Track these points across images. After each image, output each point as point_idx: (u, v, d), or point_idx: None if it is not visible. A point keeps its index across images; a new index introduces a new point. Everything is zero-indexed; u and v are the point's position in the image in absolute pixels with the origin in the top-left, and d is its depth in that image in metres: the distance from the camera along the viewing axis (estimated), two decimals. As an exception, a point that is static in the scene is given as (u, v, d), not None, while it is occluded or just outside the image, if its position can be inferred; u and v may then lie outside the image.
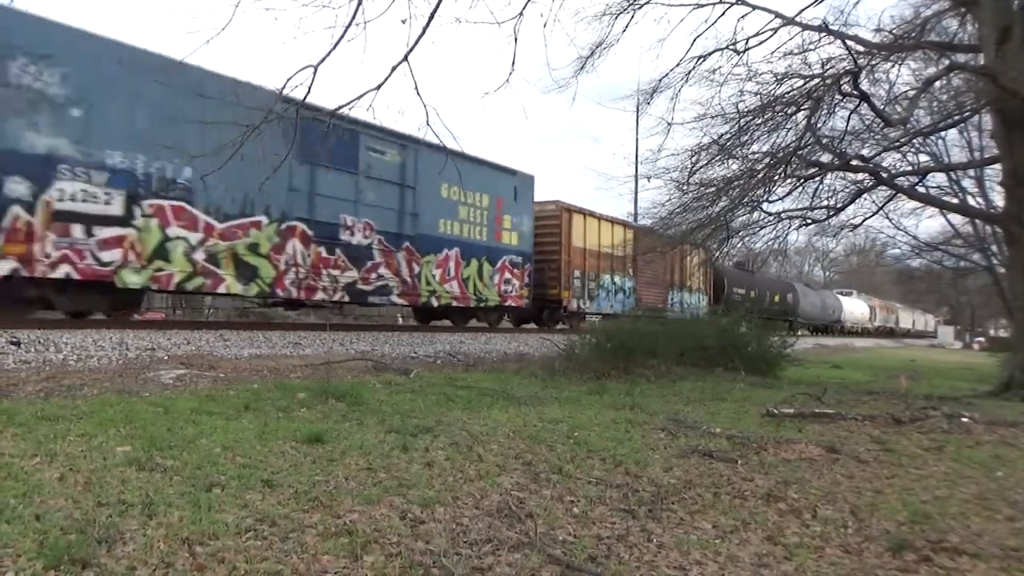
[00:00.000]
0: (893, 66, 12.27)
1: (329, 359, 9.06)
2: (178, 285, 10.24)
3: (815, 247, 61.27)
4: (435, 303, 14.47)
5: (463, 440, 4.71)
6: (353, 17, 5.46)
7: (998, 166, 11.67)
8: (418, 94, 5.69)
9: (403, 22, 5.67)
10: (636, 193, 19.46)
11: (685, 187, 11.79)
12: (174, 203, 10.07)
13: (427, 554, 2.74)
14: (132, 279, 9.68)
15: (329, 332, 11.87)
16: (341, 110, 6.03)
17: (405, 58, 5.63)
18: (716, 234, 12.50)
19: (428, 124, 5.82)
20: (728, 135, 11.05)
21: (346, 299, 12.87)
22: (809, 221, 12.80)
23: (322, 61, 5.56)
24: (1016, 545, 3.28)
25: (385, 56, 5.89)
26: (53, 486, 3.15)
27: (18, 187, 8.55)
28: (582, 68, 11.90)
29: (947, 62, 11.02)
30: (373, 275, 13.05)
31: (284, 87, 5.60)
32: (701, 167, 11.45)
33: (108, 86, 9.19)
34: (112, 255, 9.44)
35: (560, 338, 12.06)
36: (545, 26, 6.85)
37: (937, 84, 12.49)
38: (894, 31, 12.08)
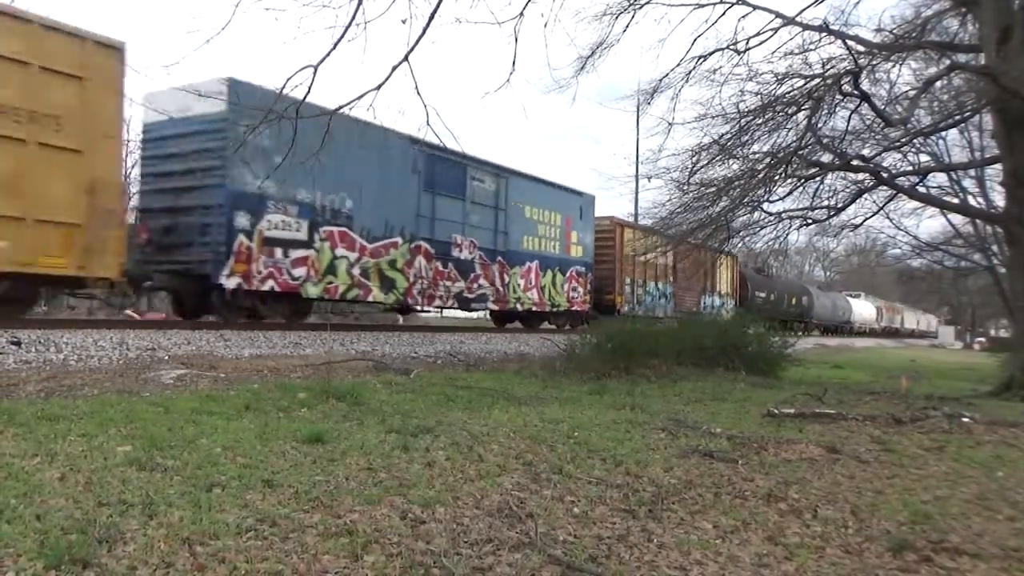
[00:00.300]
0: (894, 66, 12.29)
1: (330, 359, 9.06)
2: (341, 295, 12.59)
3: (816, 247, 61.28)
4: (519, 308, 16.68)
5: (464, 440, 4.71)
6: (353, 17, 5.46)
7: (999, 166, 11.67)
8: (419, 94, 5.69)
9: (403, 22, 5.67)
10: (636, 193, 19.53)
11: (686, 187, 11.79)
12: (340, 229, 12.40)
13: (428, 554, 2.74)
14: (312, 291, 12.04)
15: (330, 332, 11.88)
16: (341, 109, 6.02)
17: (406, 58, 5.63)
18: (717, 234, 12.49)
19: (428, 124, 5.82)
20: (729, 135, 11.05)
21: (456, 306, 15.37)
22: (810, 221, 12.80)
23: (322, 61, 5.56)
24: (1017, 545, 3.28)
25: (386, 56, 5.90)
26: (54, 486, 3.15)
27: (243, 220, 10.87)
28: (582, 68, 11.90)
29: (948, 62, 11.02)
30: (475, 285, 15.33)
31: (284, 87, 5.60)
32: (702, 167, 11.45)
33: (298, 137, 10.25)
34: (300, 271, 11.79)
35: (561, 338, 12.06)
36: (546, 26, 6.85)
37: (938, 84, 12.50)
38: (895, 31, 12.09)
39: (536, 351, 13.03)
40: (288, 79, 5.52)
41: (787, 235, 12.82)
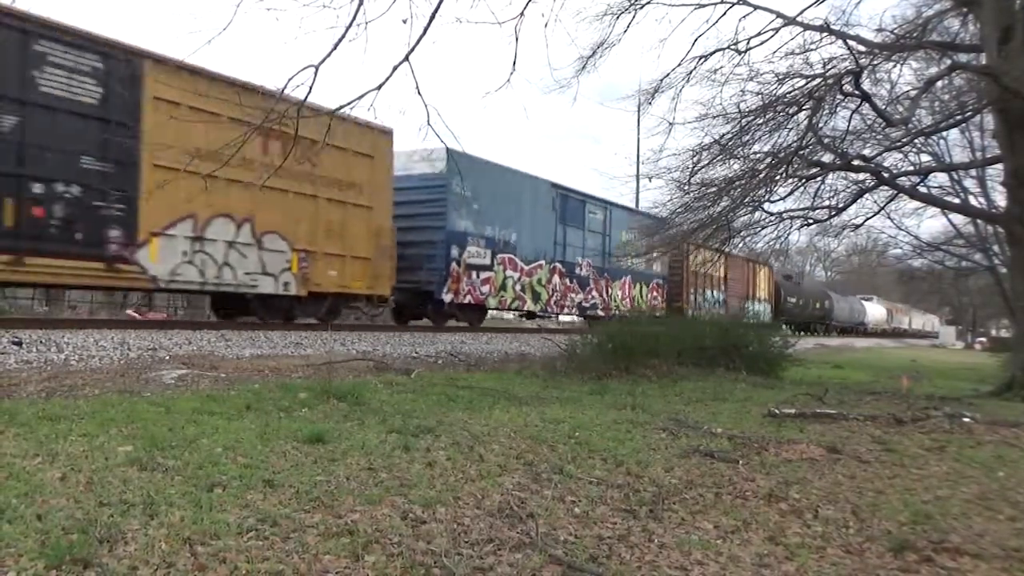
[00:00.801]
0: (895, 66, 12.28)
1: (330, 359, 9.06)
2: (508, 306, 17.05)
3: (816, 247, 61.20)
4: (617, 314, 19.58)
5: (464, 440, 4.71)
6: (354, 17, 5.46)
7: (1000, 166, 11.67)
8: (419, 94, 5.69)
9: (404, 22, 5.66)
10: (637, 193, 19.60)
11: (686, 187, 11.77)
12: (509, 256, 16.44)
13: (428, 554, 2.74)
14: (492, 303, 16.39)
15: (330, 332, 11.88)
16: (342, 110, 6.02)
17: (406, 58, 5.62)
18: (718, 234, 12.48)
19: (429, 124, 5.82)
20: (729, 135, 11.04)
21: (577, 313, 19.75)
22: (811, 221, 12.79)
23: (323, 61, 5.56)
24: (1018, 545, 3.28)
25: (386, 56, 5.89)
26: (55, 486, 3.15)
27: (455, 251, 14.91)
28: (583, 68, 11.90)
29: (949, 62, 11.01)
30: (590, 296, 19.50)
31: (285, 87, 5.59)
32: (702, 167, 11.43)
33: (484, 187, 15.41)
34: (485, 288, 15.79)
35: (561, 338, 12.07)
36: (546, 26, 6.87)
37: (939, 84, 12.50)
38: (896, 31, 12.07)
39: (537, 351, 13.03)
40: (290, 79, 5.52)
41: (788, 235, 12.82)
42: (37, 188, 8.81)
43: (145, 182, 9.66)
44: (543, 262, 17.53)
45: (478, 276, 15.56)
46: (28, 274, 9.04)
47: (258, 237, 11.38)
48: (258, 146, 10.33)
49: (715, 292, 25.72)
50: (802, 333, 31.53)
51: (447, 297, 14.73)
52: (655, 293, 22.55)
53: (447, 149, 12.15)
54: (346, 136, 12.10)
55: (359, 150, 12.95)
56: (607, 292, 20.11)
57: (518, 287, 16.77)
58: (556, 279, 17.95)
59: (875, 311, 48.12)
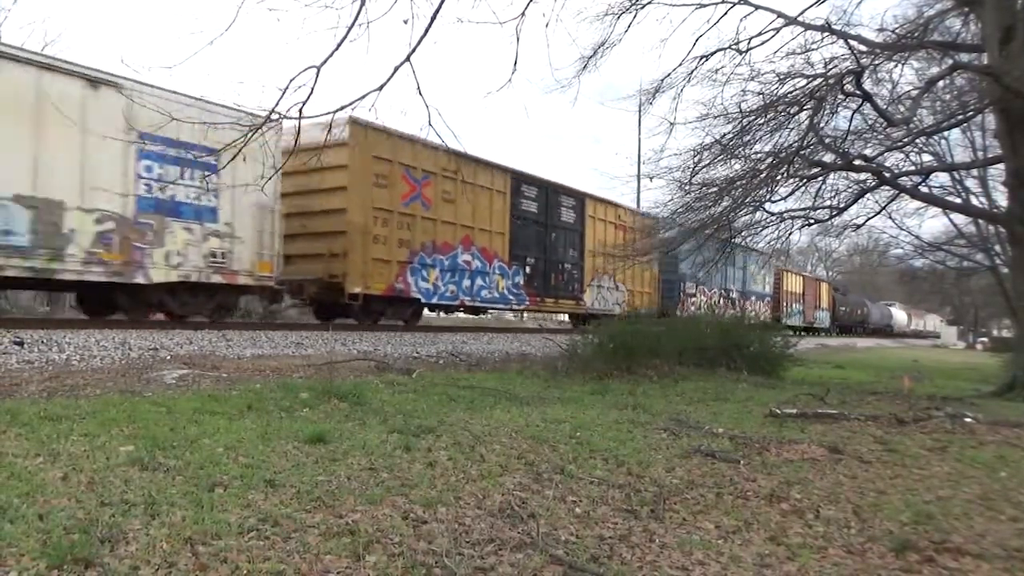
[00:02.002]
0: (896, 66, 12.26)
1: (332, 359, 9.06)
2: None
3: (818, 247, 61.26)
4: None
5: (465, 440, 4.71)
6: (356, 17, 5.45)
7: (1001, 166, 11.65)
8: (420, 94, 5.69)
9: (405, 22, 5.65)
10: (639, 193, 19.70)
11: (687, 187, 11.77)
12: (703, 287, 24.04)
13: (429, 554, 2.74)
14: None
15: (331, 332, 11.88)
16: (343, 110, 6.01)
17: (407, 58, 5.62)
18: (719, 234, 12.48)
19: (430, 124, 5.82)
20: (731, 135, 11.03)
21: None
22: (812, 221, 12.78)
23: (325, 62, 5.55)
24: (1019, 546, 3.27)
25: (387, 56, 5.89)
26: (56, 486, 3.15)
27: (682, 286, 22.98)
28: (584, 68, 11.89)
29: (950, 62, 10.99)
30: (745, 309, 26.05)
31: (287, 87, 5.59)
32: (704, 167, 11.43)
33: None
34: (692, 307, 22.78)
35: (563, 338, 12.06)
36: (547, 26, 6.89)
37: (940, 84, 12.47)
38: (897, 31, 12.06)
39: (538, 351, 13.03)
40: (291, 80, 5.51)
41: (789, 235, 12.81)
42: (559, 266, 17.85)
43: (587, 261, 18.55)
44: (718, 290, 25.60)
45: (689, 299, 23.29)
46: (549, 308, 18.61)
47: (616, 284, 19.78)
48: (620, 238, 18.91)
49: (798, 304, 34.84)
50: (845, 333, 41.88)
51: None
52: (764, 307, 30.27)
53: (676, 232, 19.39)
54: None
55: (618, 222, 20.05)
56: (745, 308, 27.86)
57: (705, 307, 23.88)
58: (722, 301, 25.74)
59: (899, 315, 57.26)
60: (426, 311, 16.12)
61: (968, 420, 6.69)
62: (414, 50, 5.60)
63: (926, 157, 17.77)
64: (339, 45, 5.48)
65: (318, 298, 13.25)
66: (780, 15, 10.88)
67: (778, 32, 10.95)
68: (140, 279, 10.07)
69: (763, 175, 10.73)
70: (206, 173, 9.76)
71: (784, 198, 12.00)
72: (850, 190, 12.39)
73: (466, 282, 14.62)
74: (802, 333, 30.15)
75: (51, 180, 9.03)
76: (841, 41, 10.19)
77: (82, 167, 9.33)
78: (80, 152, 9.30)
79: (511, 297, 15.93)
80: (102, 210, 9.56)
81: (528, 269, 16.46)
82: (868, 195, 12.68)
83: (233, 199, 10.86)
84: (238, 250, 11.16)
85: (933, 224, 75.02)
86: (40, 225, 8.96)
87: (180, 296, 11.02)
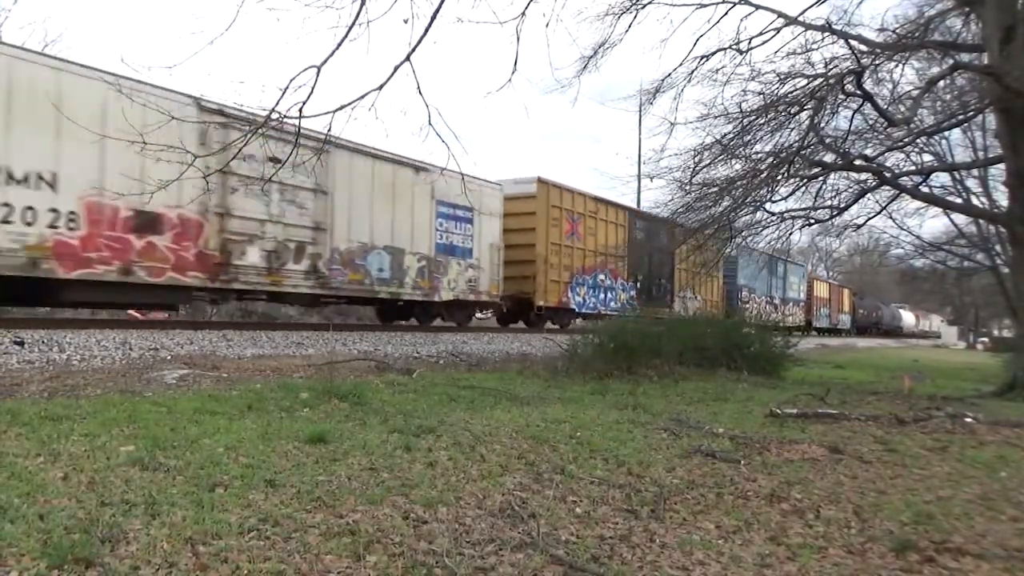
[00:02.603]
0: (897, 66, 12.24)
1: (332, 359, 9.06)
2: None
3: (818, 247, 61.34)
4: (788, 324, 29.18)
5: (466, 440, 4.71)
6: (356, 17, 5.45)
7: (1002, 166, 11.64)
8: (420, 94, 5.69)
9: (405, 22, 5.65)
10: (639, 193, 19.74)
11: (688, 187, 11.77)
12: (755, 295, 28.68)
13: (430, 554, 2.74)
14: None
15: (332, 332, 11.89)
16: (343, 109, 6.01)
17: (407, 58, 5.62)
18: (719, 234, 12.48)
19: (430, 124, 5.82)
20: (731, 135, 11.03)
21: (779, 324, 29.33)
22: (812, 221, 12.78)
23: (325, 61, 5.55)
24: (1020, 546, 3.27)
25: (387, 56, 5.89)
26: (57, 486, 3.16)
27: (740, 293, 27.68)
28: (584, 68, 11.88)
29: (951, 62, 10.98)
30: (778, 313, 29.93)
31: (287, 87, 5.59)
32: (704, 167, 11.43)
33: (757, 270, 28.42)
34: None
35: (563, 338, 12.06)
36: (547, 26, 6.88)
37: (941, 84, 12.45)
38: (897, 31, 12.04)
39: (538, 351, 13.02)
40: (292, 79, 5.51)
41: (789, 235, 12.82)
42: (658, 282, 21.42)
43: (675, 277, 21.93)
44: (766, 296, 29.96)
45: (743, 305, 26.53)
46: (646, 311, 18.48)
47: (695, 295, 22.99)
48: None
49: (825, 308, 39.19)
50: (861, 333, 46.26)
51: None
52: (800, 311, 34.61)
53: (737, 258, 25.17)
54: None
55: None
56: (784, 311, 31.83)
57: (756, 310, 27.81)
58: (764, 305, 29.33)
59: (907, 316, 61.41)
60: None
61: (968, 420, 6.69)
62: (414, 50, 5.60)
63: (927, 157, 17.77)
64: (339, 45, 5.48)
65: (511, 309, 17.68)
66: (781, 15, 10.88)
67: (779, 32, 10.95)
68: (436, 298, 14.93)
69: (764, 175, 10.73)
70: (468, 225, 15.23)
71: (785, 198, 12.02)
72: (851, 190, 12.40)
73: (602, 295, 19.27)
74: (826, 333, 37.09)
75: (399, 235, 13.89)
76: (842, 41, 10.18)
77: (412, 225, 14.17)
78: (411, 216, 14.12)
79: (628, 307, 19.78)
80: (420, 253, 14.39)
81: (638, 285, 20.75)
82: (869, 195, 12.69)
83: (480, 241, 15.77)
84: (482, 277, 15.99)
85: (934, 224, 75.42)
86: (394, 265, 13.86)
87: (451, 309, 15.92)
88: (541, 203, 17.03)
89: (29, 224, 8.79)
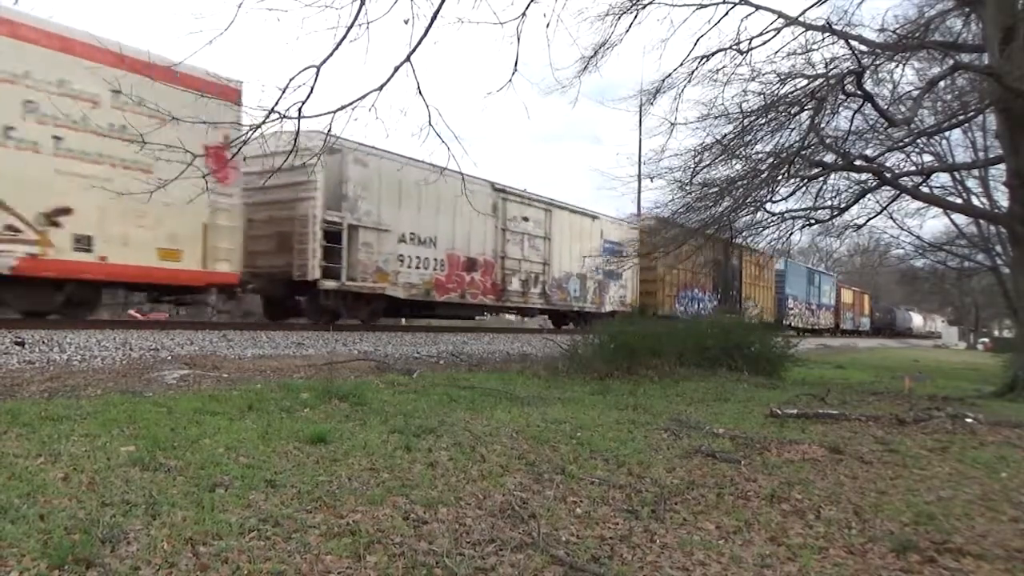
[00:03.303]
0: (897, 66, 12.26)
1: (332, 359, 9.07)
2: (798, 323, 33.58)
3: (818, 247, 61.42)
4: (819, 326, 36.71)
5: (466, 440, 4.71)
6: (356, 17, 5.46)
7: (1002, 166, 11.64)
8: (420, 95, 5.70)
9: (406, 22, 5.66)
10: (639, 193, 19.70)
11: (688, 187, 11.77)
12: (800, 303, 34.45)
13: (430, 554, 2.74)
14: (796, 323, 33.27)
15: (332, 332, 11.89)
16: (343, 109, 6.02)
17: (408, 58, 5.63)
18: (720, 234, 12.47)
19: (430, 124, 5.84)
20: (731, 135, 11.02)
21: (812, 326, 35.81)
22: (813, 221, 12.77)
23: (325, 61, 5.56)
24: (1020, 546, 3.27)
25: (388, 57, 5.90)
26: (57, 486, 3.16)
27: (786, 301, 32.63)
28: (585, 68, 11.88)
29: (951, 62, 10.97)
30: (814, 318, 35.40)
31: (286, 87, 5.59)
32: (704, 167, 11.42)
33: (800, 277, 35.92)
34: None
35: (563, 338, 12.06)
36: (548, 26, 6.88)
37: (941, 84, 12.44)
38: (898, 31, 12.03)
39: (539, 351, 13.02)
40: (291, 79, 5.52)
41: (790, 235, 12.81)
42: (731, 294, 26.30)
43: (743, 289, 27.29)
44: (803, 302, 33.81)
45: (790, 311, 31.67)
46: (722, 313, 22.05)
47: (755, 303, 27.47)
48: (757, 273, 28.52)
49: (850, 312, 43.94)
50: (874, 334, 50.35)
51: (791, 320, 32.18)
52: (830, 314, 39.13)
53: (785, 264, 31.14)
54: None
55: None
56: (817, 315, 36.46)
57: (799, 314, 32.42)
58: (802, 308, 33.52)
59: (917, 319, 66.06)
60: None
61: (969, 420, 6.68)
62: (414, 50, 5.60)
63: (927, 157, 17.78)
64: (339, 45, 5.49)
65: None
66: (781, 15, 10.87)
67: (779, 32, 10.95)
68: (603, 310, 20.30)
69: (764, 175, 10.73)
70: (621, 256, 18.77)
71: (785, 198, 12.01)
72: (851, 190, 12.39)
73: (695, 304, 24.50)
74: (850, 334, 41.70)
75: (580, 264, 19.42)
76: (842, 41, 10.17)
77: (583, 259, 19.47)
78: (581, 252, 19.37)
79: (712, 312, 24.71)
80: (596, 278, 20.19)
81: (719, 296, 26.16)
82: (869, 195, 12.69)
83: (629, 271, 20.65)
84: (628, 294, 21.70)
85: (934, 224, 75.71)
86: (582, 287, 19.72)
87: (611, 318, 19.35)
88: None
89: (426, 268, 14.49)
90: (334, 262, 12.53)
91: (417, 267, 14.26)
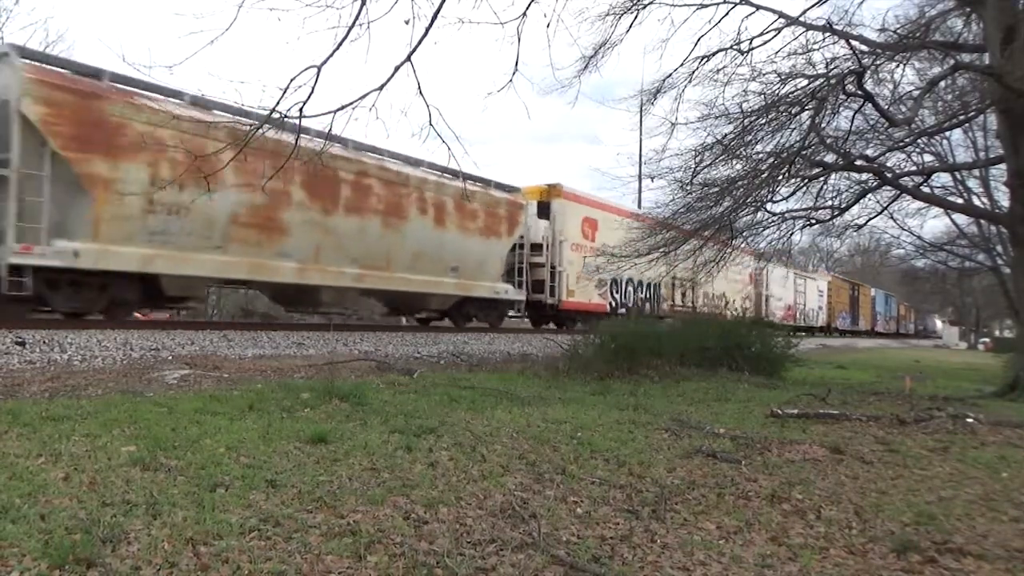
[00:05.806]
0: (898, 66, 12.23)
1: (333, 359, 9.07)
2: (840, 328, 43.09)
3: (819, 247, 61.47)
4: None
5: (467, 440, 4.71)
6: (356, 17, 5.45)
7: (1003, 166, 11.62)
8: (421, 95, 5.68)
9: (406, 22, 5.65)
10: (640, 193, 19.72)
11: (689, 187, 11.75)
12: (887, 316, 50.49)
13: (431, 554, 2.74)
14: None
15: (332, 332, 11.89)
16: (344, 109, 6.00)
17: (408, 58, 5.62)
18: (720, 234, 12.46)
19: (431, 124, 5.82)
20: (732, 135, 11.00)
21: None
22: (813, 221, 12.75)
23: (325, 61, 5.55)
24: (1021, 546, 3.27)
25: (388, 57, 5.90)
26: (58, 486, 3.16)
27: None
28: (585, 68, 11.86)
29: (952, 62, 10.96)
30: (889, 324, 51.48)
31: (287, 87, 5.58)
32: (705, 167, 11.39)
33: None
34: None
35: (564, 338, 12.06)
36: (548, 26, 6.83)
37: (942, 84, 12.43)
38: (899, 31, 12.02)
39: (539, 351, 13.02)
40: (292, 79, 5.51)
41: (790, 235, 12.79)
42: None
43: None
44: (886, 317, 42.46)
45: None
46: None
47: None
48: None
49: (847, 312, 44.44)
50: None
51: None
52: (894, 323, 44.62)
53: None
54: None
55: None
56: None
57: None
58: (891, 323, 42.91)
59: (938, 323, 73.17)
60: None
61: (970, 420, 6.68)
62: (415, 50, 5.59)
63: (928, 157, 17.76)
64: (339, 45, 5.48)
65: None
66: (781, 15, 10.86)
67: (779, 32, 10.93)
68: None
69: (764, 175, 10.71)
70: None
71: (786, 198, 11.97)
72: (851, 190, 12.36)
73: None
74: (880, 336, 45.57)
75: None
76: (843, 41, 10.16)
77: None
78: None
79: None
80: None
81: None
82: (870, 195, 12.66)
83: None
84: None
85: (935, 224, 76.01)
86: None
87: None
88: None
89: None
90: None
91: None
